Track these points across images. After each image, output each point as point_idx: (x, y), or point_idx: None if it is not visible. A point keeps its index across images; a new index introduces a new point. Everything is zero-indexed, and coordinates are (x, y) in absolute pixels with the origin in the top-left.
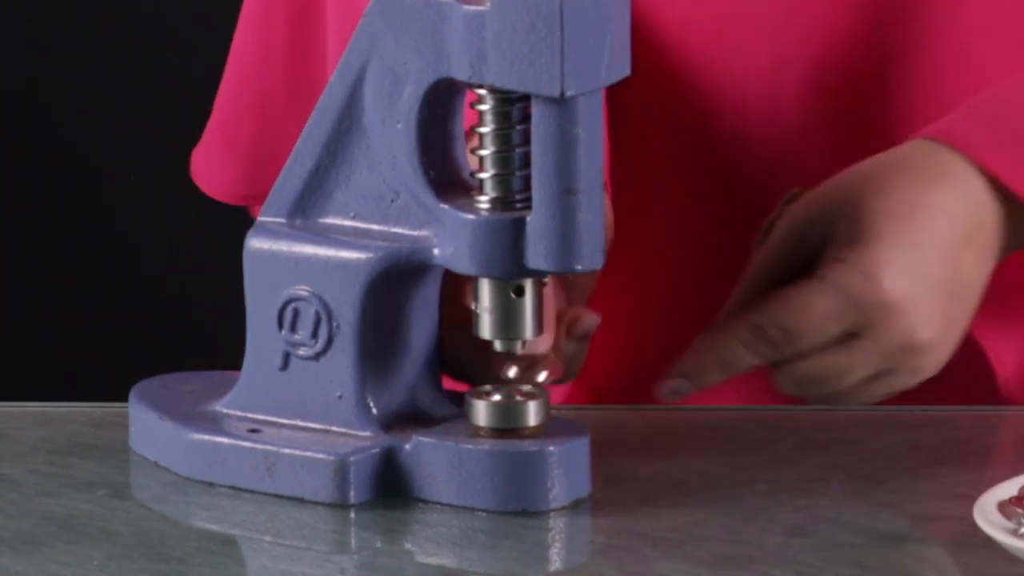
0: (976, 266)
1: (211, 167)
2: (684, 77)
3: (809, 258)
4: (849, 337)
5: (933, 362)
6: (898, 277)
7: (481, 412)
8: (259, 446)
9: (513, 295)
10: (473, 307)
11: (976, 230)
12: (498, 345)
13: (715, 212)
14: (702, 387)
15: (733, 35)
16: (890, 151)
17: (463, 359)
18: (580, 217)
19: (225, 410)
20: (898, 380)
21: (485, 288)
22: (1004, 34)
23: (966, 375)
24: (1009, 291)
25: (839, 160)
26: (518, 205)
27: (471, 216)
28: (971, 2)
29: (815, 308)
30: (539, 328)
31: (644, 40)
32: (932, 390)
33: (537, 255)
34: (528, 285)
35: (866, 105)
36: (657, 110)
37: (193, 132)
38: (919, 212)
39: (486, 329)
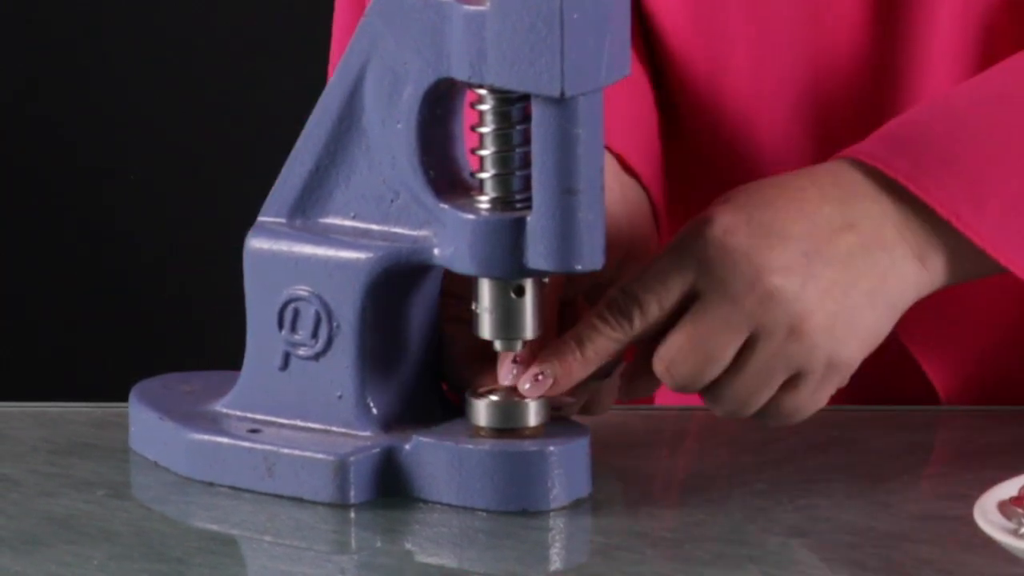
0: (859, 249)
1: None
2: (684, 94)
3: None
4: (743, 348)
5: (830, 341)
6: (730, 220)
7: (481, 412)
8: (259, 446)
9: (513, 295)
10: (473, 307)
11: (863, 225)
12: (498, 345)
13: None
14: (567, 379)
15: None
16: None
17: (461, 359)
18: (580, 217)
19: (225, 410)
20: (812, 368)
21: (485, 288)
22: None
23: (908, 398)
24: (944, 309)
25: None
26: (518, 205)
27: (471, 216)
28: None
29: (652, 266)
30: (539, 328)
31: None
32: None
33: (537, 255)
34: (528, 285)
35: (854, 129)
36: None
37: (193, 132)
38: (786, 193)
39: (486, 329)
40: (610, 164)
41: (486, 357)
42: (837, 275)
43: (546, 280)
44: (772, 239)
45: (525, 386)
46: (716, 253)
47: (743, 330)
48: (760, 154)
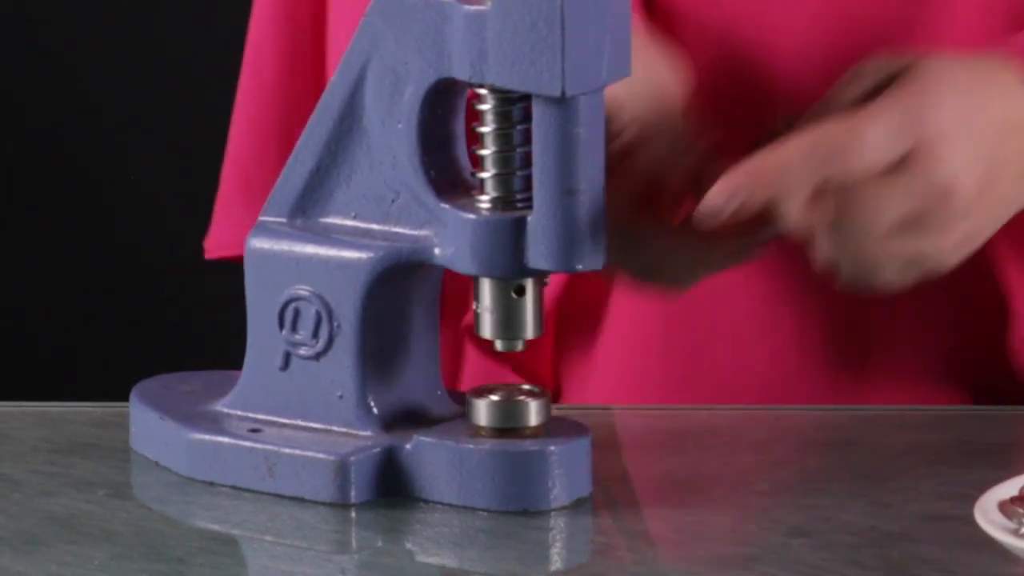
0: (1017, 159)
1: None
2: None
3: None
4: (891, 172)
5: (963, 225)
6: (948, 116)
7: (482, 412)
8: (260, 446)
9: (514, 295)
10: (474, 306)
11: None
12: (499, 345)
13: None
14: (740, 209)
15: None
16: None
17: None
18: (581, 217)
19: (226, 410)
20: (927, 235)
21: (486, 288)
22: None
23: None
24: None
25: None
26: (519, 205)
27: (472, 216)
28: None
29: (869, 129)
30: (540, 328)
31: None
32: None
33: (538, 255)
34: (529, 285)
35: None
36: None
37: (194, 132)
38: (978, 85)
39: (487, 328)
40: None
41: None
42: (998, 201)
43: (546, 280)
44: (967, 131)
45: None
46: (928, 140)
47: (912, 207)
48: (773, 80)
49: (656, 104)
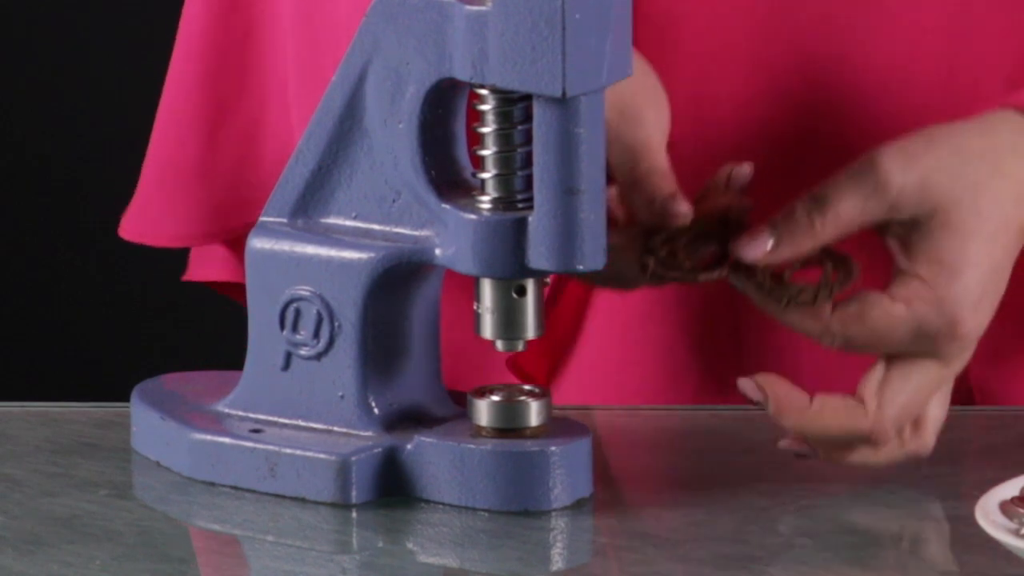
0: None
1: (162, 213)
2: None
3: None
4: (920, 356)
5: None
6: (978, 314)
7: (483, 412)
8: (261, 446)
9: (515, 295)
10: (475, 307)
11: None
12: (500, 345)
13: None
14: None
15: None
16: (977, 127)
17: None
18: (582, 217)
19: (227, 410)
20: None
21: (487, 288)
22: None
23: None
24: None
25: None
26: (520, 205)
27: (473, 216)
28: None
29: (890, 339)
30: (540, 328)
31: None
32: None
33: (539, 255)
34: (530, 285)
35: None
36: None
37: None
38: (1002, 236)
39: (487, 329)
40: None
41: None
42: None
43: (547, 280)
44: (990, 310)
45: (746, 247)
46: (953, 345)
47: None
48: (721, 114)
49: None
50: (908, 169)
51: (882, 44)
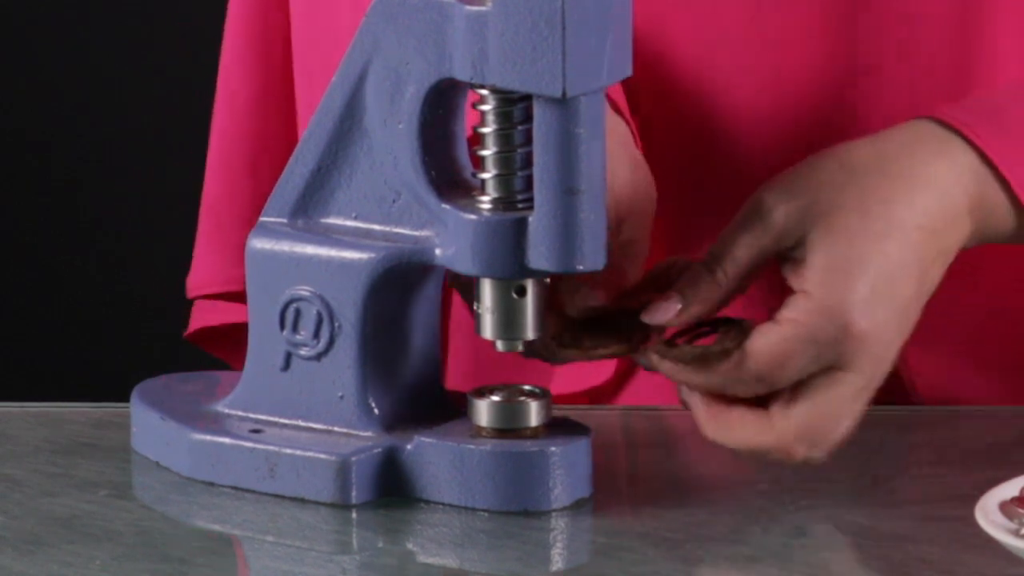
0: (939, 274)
1: (228, 260)
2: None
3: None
4: (830, 370)
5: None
6: (870, 313)
7: (483, 412)
8: (261, 446)
9: (515, 295)
10: (475, 307)
11: (952, 242)
12: (499, 345)
13: (708, 222)
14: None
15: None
16: (881, 137)
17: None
18: (582, 217)
19: (227, 410)
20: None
21: (487, 288)
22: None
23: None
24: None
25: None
26: (520, 205)
27: (473, 216)
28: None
29: (791, 361)
30: (540, 328)
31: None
32: None
33: (539, 255)
34: (530, 285)
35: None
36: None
37: (195, 132)
38: (895, 233)
39: (487, 329)
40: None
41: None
42: (918, 313)
43: (547, 280)
44: (890, 314)
45: (655, 312)
46: (853, 346)
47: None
48: (717, 139)
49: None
50: (791, 198)
51: (889, 34)
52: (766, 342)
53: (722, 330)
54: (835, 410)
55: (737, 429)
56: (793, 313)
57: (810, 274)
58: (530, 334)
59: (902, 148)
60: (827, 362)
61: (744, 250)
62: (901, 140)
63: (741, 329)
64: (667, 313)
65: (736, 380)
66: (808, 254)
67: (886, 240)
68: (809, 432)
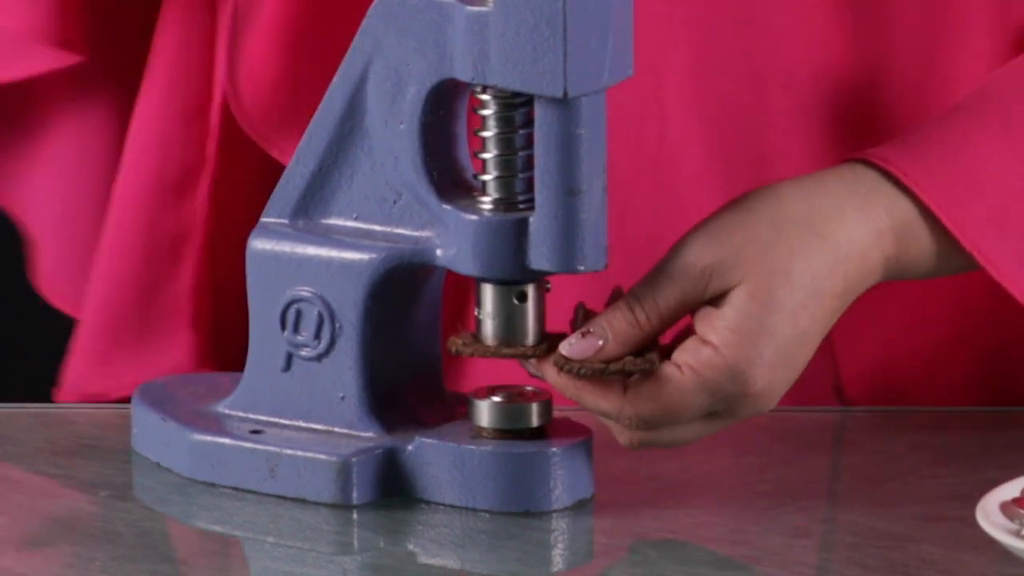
0: (841, 309)
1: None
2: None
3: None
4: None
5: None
6: (770, 375)
7: (484, 413)
8: (261, 447)
9: (516, 301)
10: (476, 312)
11: (856, 295)
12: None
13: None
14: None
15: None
16: (812, 189)
17: None
18: (583, 218)
19: (227, 411)
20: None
21: (488, 294)
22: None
23: (807, 375)
24: (856, 302)
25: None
26: (521, 206)
27: (474, 217)
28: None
29: (685, 407)
30: (541, 334)
31: None
32: None
33: (540, 256)
34: (530, 291)
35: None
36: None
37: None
38: (812, 304)
39: (489, 334)
40: None
41: None
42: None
43: (548, 286)
44: (785, 373)
45: (571, 343)
46: (745, 403)
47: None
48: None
49: None
50: (718, 249)
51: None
52: (670, 388)
53: (628, 362)
54: (693, 433)
55: (587, 393)
56: (696, 363)
57: (722, 330)
58: (531, 339)
59: (832, 208)
60: (713, 410)
61: (667, 298)
62: (832, 194)
63: (646, 360)
64: (587, 351)
65: (622, 414)
66: (725, 309)
67: (802, 311)
68: (658, 416)
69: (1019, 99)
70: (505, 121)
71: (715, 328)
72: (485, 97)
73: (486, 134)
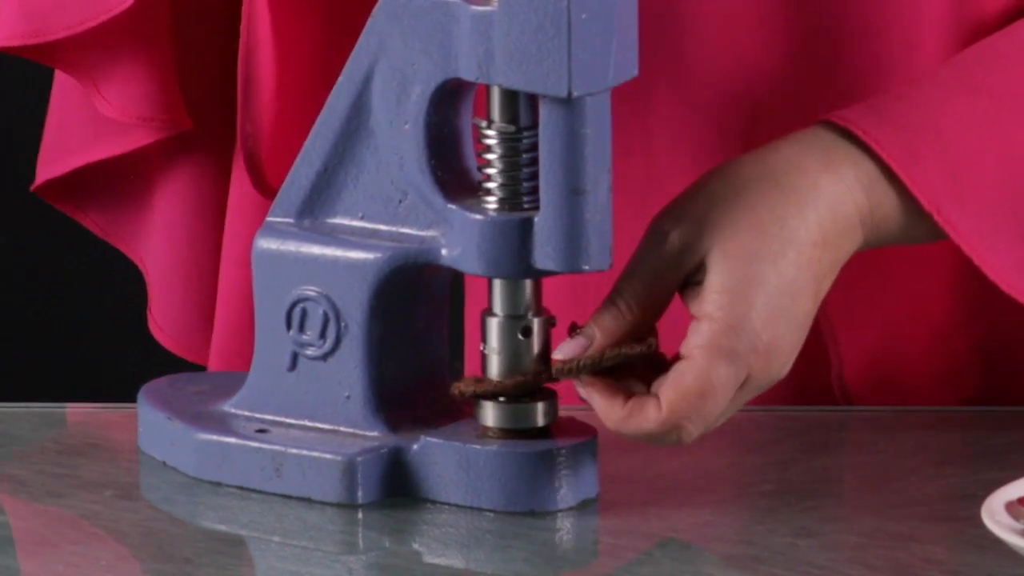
0: (830, 263)
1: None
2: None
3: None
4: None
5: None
6: (772, 327)
7: (489, 412)
8: (267, 446)
9: (520, 336)
10: (482, 347)
11: (844, 252)
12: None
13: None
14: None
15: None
16: (768, 150)
17: None
18: (588, 217)
19: (233, 410)
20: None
21: (493, 329)
22: (927, 52)
23: (802, 370)
24: (856, 287)
25: None
26: (526, 205)
27: (479, 216)
28: (895, 19)
29: (711, 385)
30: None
31: None
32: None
33: (545, 255)
34: (535, 325)
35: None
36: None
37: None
38: (791, 252)
39: (494, 369)
40: None
41: None
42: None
43: (555, 321)
44: (790, 327)
45: (561, 348)
46: (761, 359)
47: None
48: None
49: None
50: (682, 220)
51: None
52: (685, 380)
53: (625, 347)
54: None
55: (633, 417)
56: (701, 341)
57: (710, 297)
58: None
59: (788, 162)
60: (739, 379)
61: (643, 281)
62: (788, 154)
63: (645, 344)
64: (574, 349)
65: (667, 429)
66: (706, 277)
67: (781, 259)
68: (692, 407)
69: (989, 70)
70: (511, 144)
71: (705, 299)
72: (490, 132)
73: (491, 156)
